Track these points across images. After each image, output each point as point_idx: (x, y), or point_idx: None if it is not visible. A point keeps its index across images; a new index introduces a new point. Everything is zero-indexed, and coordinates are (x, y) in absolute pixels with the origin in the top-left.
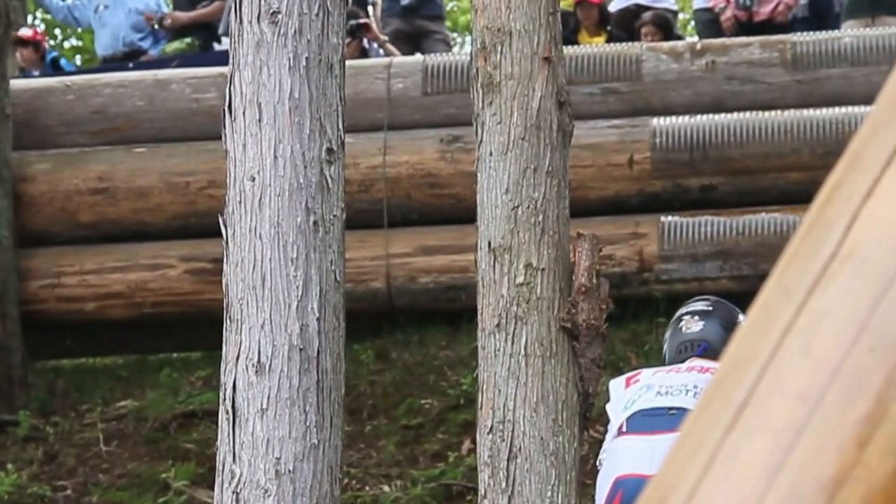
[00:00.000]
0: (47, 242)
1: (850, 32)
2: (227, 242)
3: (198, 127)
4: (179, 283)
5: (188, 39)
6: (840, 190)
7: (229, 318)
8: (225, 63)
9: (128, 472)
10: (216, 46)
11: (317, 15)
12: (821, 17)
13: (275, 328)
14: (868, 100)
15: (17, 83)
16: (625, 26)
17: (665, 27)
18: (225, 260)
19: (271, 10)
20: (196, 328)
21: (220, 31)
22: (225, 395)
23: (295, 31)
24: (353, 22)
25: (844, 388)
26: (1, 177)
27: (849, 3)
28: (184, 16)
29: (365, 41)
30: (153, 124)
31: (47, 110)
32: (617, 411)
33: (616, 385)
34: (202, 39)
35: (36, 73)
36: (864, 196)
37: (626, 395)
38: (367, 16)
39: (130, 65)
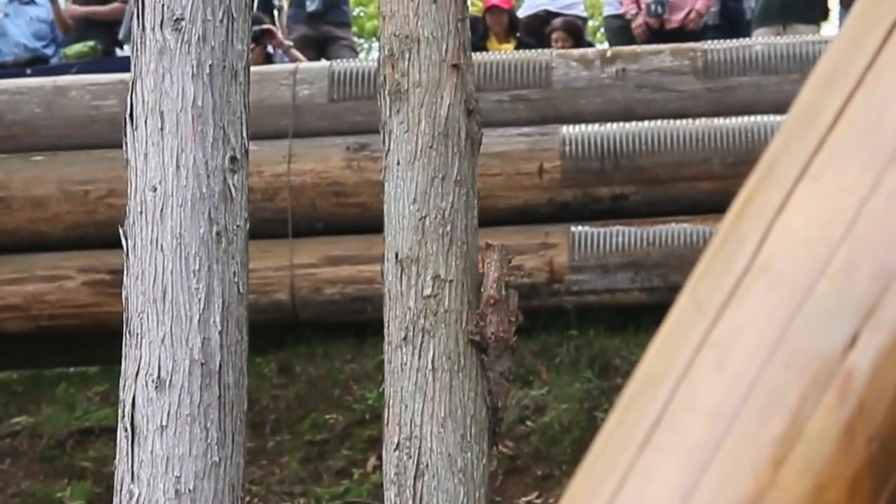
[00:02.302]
0: None
1: (761, 40)
2: (127, 254)
3: (97, 135)
4: (77, 295)
5: (91, 42)
6: (752, 203)
7: (129, 331)
8: (126, 69)
9: (22, 492)
10: (118, 52)
11: (221, 22)
12: (732, 24)
13: (175, 342)
14: (779, 108)
15: None
16: (534, 33)
17: (576, 33)
18: (125, 272)
19: (174, 17)
20: (94, 342)
21: (121, 36)
22: (124, 411)
23: (198, 39)
24: (257, 28)
25: (759, 406)
26: None
27: (760, 11)
28: (79, 9)
29: (269, 47)
30: (51, 132)
31: None
32: None
33: None
34: (105, 43)
35: None
36: (777, 209)
37: None
38: (272, 21)
39: (29, 71)
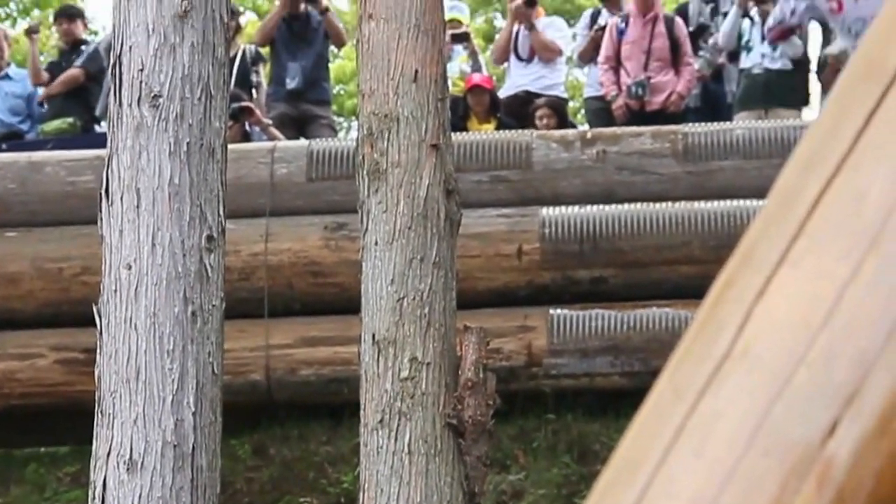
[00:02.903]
0: None
1: (742, 124)
2: (100, 333)
3: (72, 211)
4: (49, 373)
5: (69, 119)
6: (732, 288)
7: (101, 411)
8: (103, 145)
9: None
10: (97, 128)
11: (199, 99)
12: (713, 107)
13: (148, 423)
14: (760, 193)
15: None
16: (515, 113)
17: (560, 112)
18: (98, 351)
19: (152, 94)
20: (66, 421)
21: (98, 112)
22: (94, 493)
23: (176, 116)
24: (235, 105)
25: (738, 494)
26: None
27: (741, 95)
28: (54, 85)
29: (248, 125)
30: (25, 207)
31: None
32: None
33: None
34: (83, 119)
35: None
36: (756, 294)
37: None
38: (251, 99)
39: (3, 146)
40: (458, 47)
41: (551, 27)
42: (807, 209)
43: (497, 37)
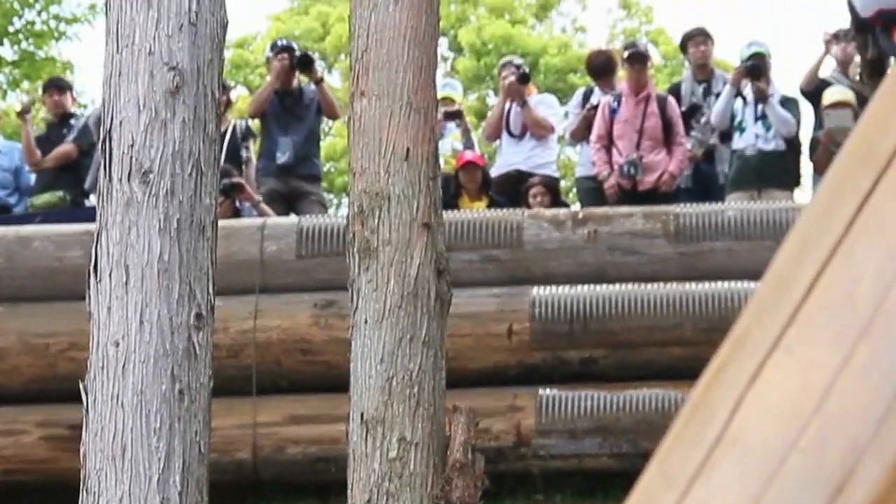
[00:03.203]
0: None
1: (734, 205)
2: (87, 410)
3: (60, 286)
4: (34, 449)
5: (59, 192)
6: (724, 373)
7: (86, 489)
8: (91, 220)
9: None
10: (86, 202)
11: (189, 175)
12: (705, 188)
13: (134, 502)
14: (751, 275)
15: None
16: (506, 192)
17: (552, 191)
18: (84, 428)
19: (142, 170)
20: (51, 499)
21: (87, 186)
22: None
23: (167, 192)
24: (226, 181)
25: None
26: None
27: (734, 175)
28: (43, 158)
29: (238, 201)
30: (13, 282)
31: None
32: None
33: None
34: (73, 194)
35: None
36: (749, 380)
37: None
38: (241, 174)
39: None
40: (451, 125)
41: (543, 104)
42: (800, 295)
43: (489, 114)
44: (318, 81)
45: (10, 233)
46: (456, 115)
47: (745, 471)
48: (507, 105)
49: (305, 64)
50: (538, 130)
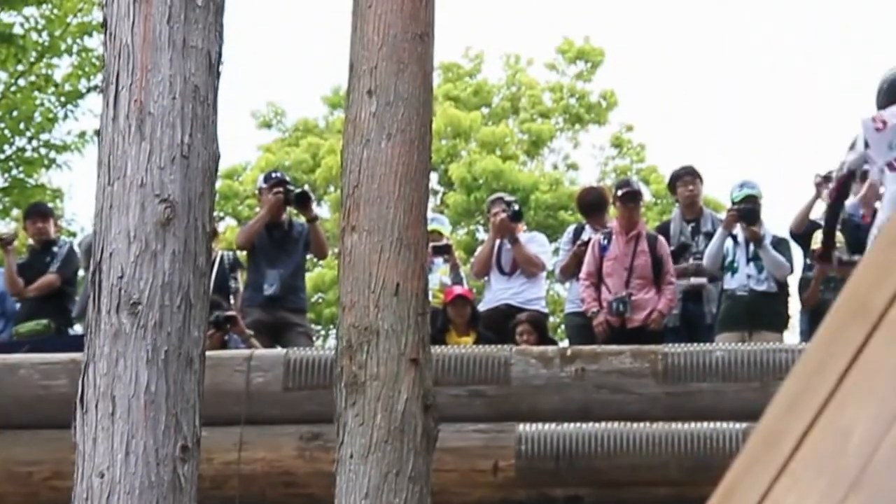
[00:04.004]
0: None
1: (722, 346)
2: None
3: (45, 415)
4: None
5: (44, 321)
6: None
7: None
8: (79, 348)
9: None
10: (70, 331)
11: (178, 307)
12: (691, 328)
13: None
14: (738, 416)
15: None
16: (494, 327)
17: (540, 327)
18: None
19: (131, 301)
20: None
21: (75, 314)
22: None
23: (155, 324)
24: (220, 314)
25: None
26: None
27: (724, 316)
28: (26, 288)
29: (227, 333)
30: None
31: None
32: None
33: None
34: (58, 322)
35: None
36: None
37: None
38: (229, 305)
39: None
40: (439, 260)
41: (533, 242)
42: (791, 447)
43: (478, 250)
44: (312, 220)
45: None
46: (444, 251)
47: None
48: (497, 242)
49: (303, 202)
50: (529, 268)
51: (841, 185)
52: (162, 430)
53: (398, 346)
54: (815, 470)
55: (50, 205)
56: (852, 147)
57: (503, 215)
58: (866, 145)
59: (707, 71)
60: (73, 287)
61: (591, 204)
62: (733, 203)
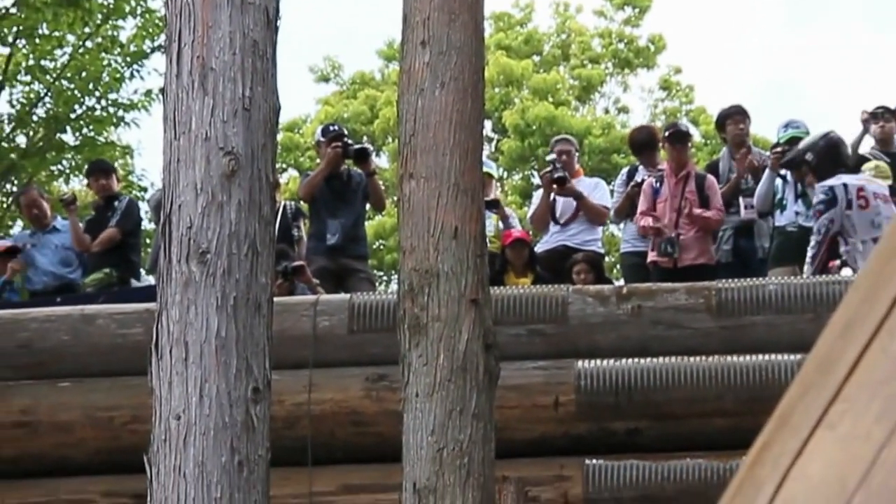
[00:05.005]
0: None
1: (775, 280)
2: (150, 481)
3: (122, 362)
4: None
5: (106, 270)
6: (770, 450)
7: None
8: (152, 298)
9: None
10: (133, 282)
11: (245, 255)
12: (744, 264)
13: None
14: (792, 348)
15: None
16: (552, 267)
17: (597, 267)
18: (148, 499)
19: (200, 250)
20: None
21: (147, 266)
22: None
23: (224, 271)
24: (288, 264)
25: None
26: None
27: (775, 251)
28: (92, 243)
29: (295, 283)
30: (77, 359)
31: None
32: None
33: None
34: (120, 271)
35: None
36: (794, 455)
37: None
38: (293, 253)
39: (59, 299)
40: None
41: (598, 190)
42: (844, 373)
43: (534, 206)
44: (371, 174)
45: (75, 311)
46: (493, 205)
47: None
48: (550, 196)
49: (361, 158)
50: (597, 219)
51: (829, 246)
52: (233, 374)
53: (458, 287)
54: (869, 393)
55: (120, 161)
56: (831, 202)
57: (558, 175)
58: (847, 206)
59: (752, 10)
60: (134, 239)
61: (642, 142)
62: (778, 143)
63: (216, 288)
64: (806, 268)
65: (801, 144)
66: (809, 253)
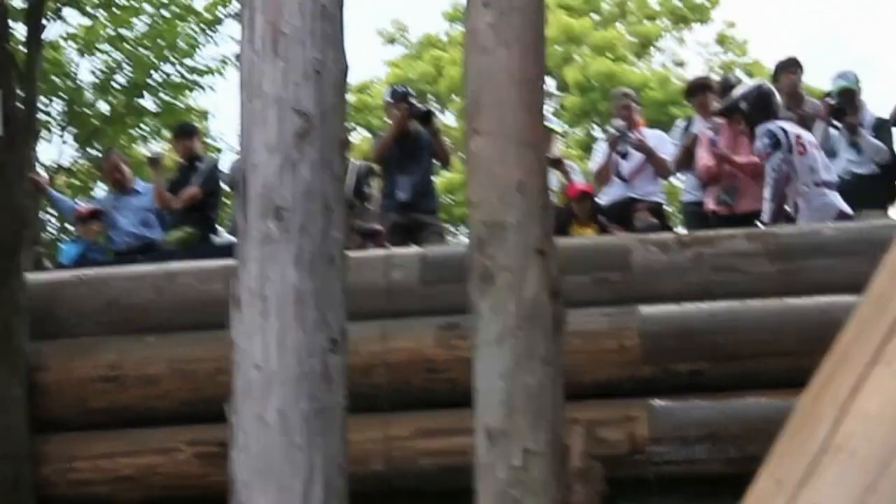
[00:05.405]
0: (61, 429)
1: (831, 225)
2: (233, 429)
3: (205, 317)
4: (188, 466)
5: (188, 228)
6: (828, 386)
7: (236, 502)
8: (230, 255)
9: None
10: (214, 239)
11: (319, 212)
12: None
13: None
14: (850, 290)
15: (32, 277)
16: (615, 218)
17: (659, 215)
18: (232, 446)
19: (276, 208)
20: None
21: (230, 230)
22: None
23: (299, 228)
24: (366, 226)
25: None
26: (16, 366)
27: None
28: (174, 200)
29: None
30: (161, 314)
31: (61, 303)
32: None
33: None
34: (201, 228)
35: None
36: (851, 391)
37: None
38: (365, 211)
39: (141, 258)
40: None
41: (662, 142)
42: None
43: (598, 162)
44: (436, 133)
45: (157, 269)
46: (556, 164)
47: (849, 476)
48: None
49: (426, 119)
50: (662, 171)
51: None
52: (310, 325)
53: (524, 238)
54: None
55: (196, 125)
56: (777, 143)
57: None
58: (788, 150)
59: None
60: (215, 198)
61: (695, 87)
62: (830, 94)
63: (292, 244)
64: (764, 206)
65: (736, 93)
66: (767, 194)
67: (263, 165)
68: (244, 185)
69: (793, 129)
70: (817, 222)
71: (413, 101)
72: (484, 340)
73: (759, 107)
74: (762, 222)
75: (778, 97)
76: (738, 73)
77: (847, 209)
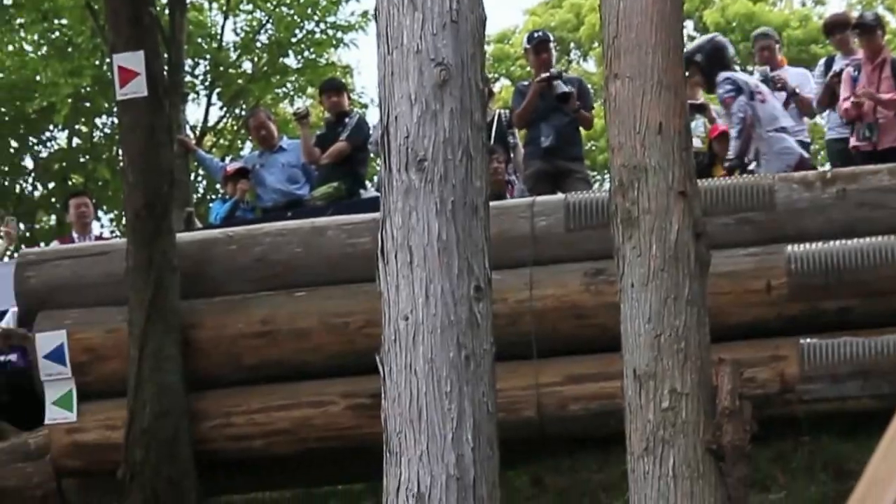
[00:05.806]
0: (215, 385)
1: None
2: (384, 379)
3: (353, 270)
4: (341, 418)
5: (335, 184)
6: None
7: (389, 450)
8: (376, 209)
9: None
10: (362, 193)
11: (460, 161)
12: None
13: (432, 459)
14: None
15: (182, 237)
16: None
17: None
18: (383, 396)
19: (418, 158)
20: (357, 461)
21: (375, 187)
22: None
23: (440, 178)
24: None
25: None
26: (170, 325)
27: None
28: (321, 156)
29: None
30: (310, 269)
31: (212, 261)
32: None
33: None
34: (348, 184)
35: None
36: None
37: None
38: (508, 158)
39: (289, 214)
40: (698, 116)
41: (806, 82)
42: None
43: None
44: (576, 111)
45: (305, 225)
46: (700, 109)
47: None
48: None
49: (564, 100)
50: (807, 111)
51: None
52: (456, 274)
53: (666, 180)
54: None
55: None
56: (738, 90)
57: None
58: (750, 97)
59: None
60: (362, 153)
61: (833, 24)
62: None
63: (434, 194)
64: (731, 143)
65: (690, 46)
66: (733, 135)
67: (404, 116)
68: (385, 136)
69: (750, 79)
70: (778, 165)
71: (554, 81)
72: (629, 284)
73: (714, 59)
74: (727, 158)
75: (731, 49)
76: (880, 9)
77: (805, 153)
